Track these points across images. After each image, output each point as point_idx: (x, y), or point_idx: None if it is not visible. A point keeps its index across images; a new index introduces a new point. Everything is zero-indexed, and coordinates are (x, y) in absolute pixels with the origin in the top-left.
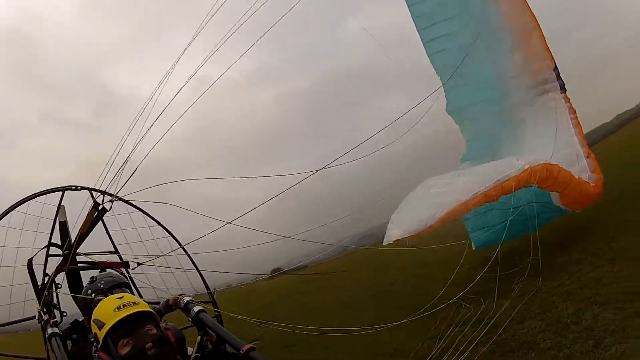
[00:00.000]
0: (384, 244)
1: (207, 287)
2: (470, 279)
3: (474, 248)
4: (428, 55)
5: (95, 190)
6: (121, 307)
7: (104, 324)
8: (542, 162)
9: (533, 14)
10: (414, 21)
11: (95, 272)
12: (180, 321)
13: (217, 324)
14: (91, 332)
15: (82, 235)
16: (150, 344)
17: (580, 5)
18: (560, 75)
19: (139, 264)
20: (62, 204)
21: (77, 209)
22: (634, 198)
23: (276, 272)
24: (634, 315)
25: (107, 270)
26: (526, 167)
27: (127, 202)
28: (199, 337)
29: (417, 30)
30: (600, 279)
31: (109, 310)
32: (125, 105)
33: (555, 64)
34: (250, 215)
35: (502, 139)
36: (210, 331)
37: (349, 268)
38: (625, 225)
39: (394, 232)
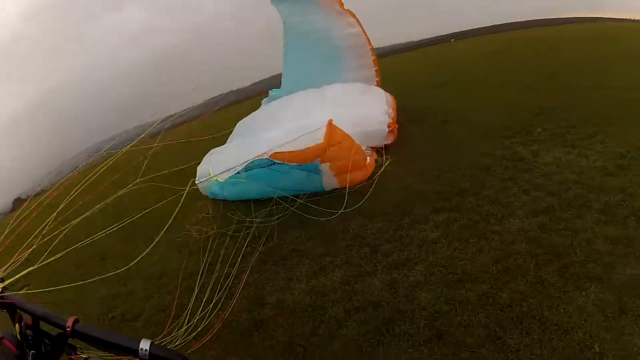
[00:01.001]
0: (197, 182)
1: None
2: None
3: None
4: None
5: None
6: None
7: None
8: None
9: None
10: None
11: None
12: None
13: (28, 302)
14: None
15: None
16: None
17: None
18: None
19: None
20: None
21: None
22: None
23: (17, 201)
24: (408, 226)
25: None
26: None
27: None
28: (17, 325)
29: None
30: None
31: None
32: None
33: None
34: None
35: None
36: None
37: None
38: None
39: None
